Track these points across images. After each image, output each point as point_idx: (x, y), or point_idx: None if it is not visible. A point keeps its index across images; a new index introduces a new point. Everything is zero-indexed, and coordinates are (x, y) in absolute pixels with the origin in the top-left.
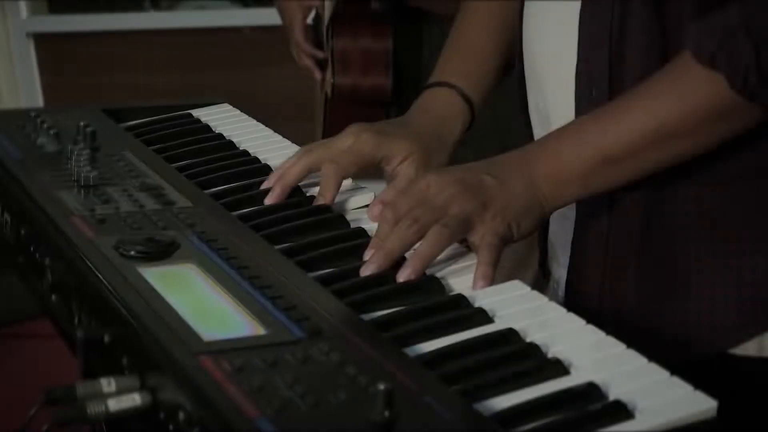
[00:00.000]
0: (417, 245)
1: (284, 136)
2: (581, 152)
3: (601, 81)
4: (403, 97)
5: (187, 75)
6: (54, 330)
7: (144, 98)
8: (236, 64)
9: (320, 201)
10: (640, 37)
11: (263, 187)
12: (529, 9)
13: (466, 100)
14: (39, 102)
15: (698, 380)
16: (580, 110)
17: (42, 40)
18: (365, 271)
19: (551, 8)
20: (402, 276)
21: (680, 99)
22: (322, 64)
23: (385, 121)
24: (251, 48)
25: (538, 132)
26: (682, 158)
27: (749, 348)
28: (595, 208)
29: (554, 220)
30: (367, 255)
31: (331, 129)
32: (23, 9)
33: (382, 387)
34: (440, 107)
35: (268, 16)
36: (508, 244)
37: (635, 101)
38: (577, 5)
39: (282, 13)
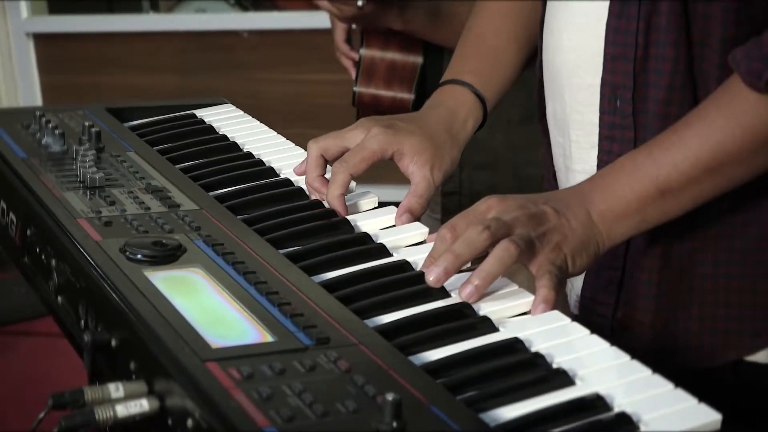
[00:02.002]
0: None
1: None
2: (636, 186)
3: (625, 91)
4: None
5: (186, 77)
6: (57, 329)
7: (142, 99)
8: (234, 67)
9: (333, 204)
10: (665, 50)
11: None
12: (549, 19)
13: (478, 97)
14: (37, 101)
15: (711, 388)
16: (603, 119)
17: (41, 40)
18: (429, 276)
19: (572, 19)
20: (464, 293)
21: (736, 125)
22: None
23: (397, 116)
24: (249, 51)
25: (556, 138)
26: (738, 183)
27: (759, 356)
28: None
29: None
30: (427, 272)
31: None
32: (23, 9)
33: (390, 397)
34: (451, 103)
35: (267, 21)
36: (562, 279)
37: (688, 130)
38: (598, 17)
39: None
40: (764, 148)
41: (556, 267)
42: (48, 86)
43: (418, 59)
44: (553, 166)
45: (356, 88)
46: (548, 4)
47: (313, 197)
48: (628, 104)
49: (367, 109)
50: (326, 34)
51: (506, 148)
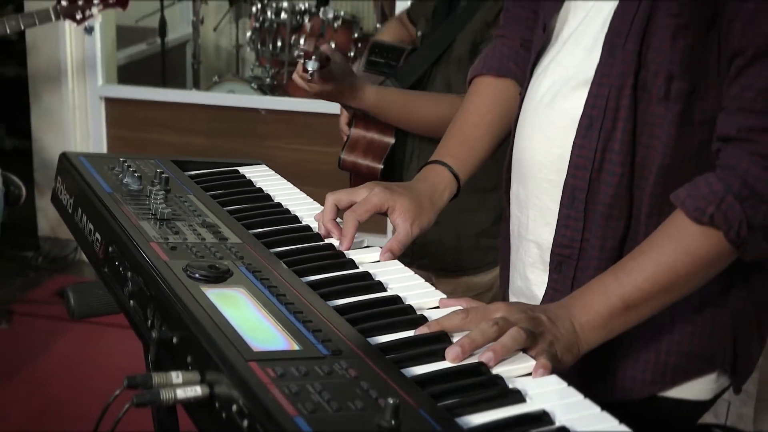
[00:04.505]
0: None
1: None
2: (607, 302)
3: (581, 192)
4: (388, 179)
5: (214, 140)
6: (125, 323)
7: (180, 154)
8: (251, 135)
9: (344, 242)
10: (614, 167)
11: (327, 240)
12: (523, 123)
13: (455, 175)
14: (104, 150)
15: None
16: (562, 211)
17: (111, 103)
18: (449, 353)
19: (543, 129)
20: (485, 357)
21: (684, 252)
22: None
23: (393, 183)
24: (265, 125)
25: (515, 213)
26: (683, 297)
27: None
28: (556, 296)
29: (517, 296)
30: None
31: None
32: (99, 78)
33: (391, 401)
34: (434, 178)
35: (279, 103)
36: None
37: (645, 258)
38: (564, 131)
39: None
40: (706, 269)
41: (551, 354)
42: (113, 138)
43: (391, 140)
44: (509, 233)
45: (342, 156)
46: (522, 111)
47: (327, 241)
48: (581, 202)
49: (349, 171)
50: (322, 116)
51: (453, 210)
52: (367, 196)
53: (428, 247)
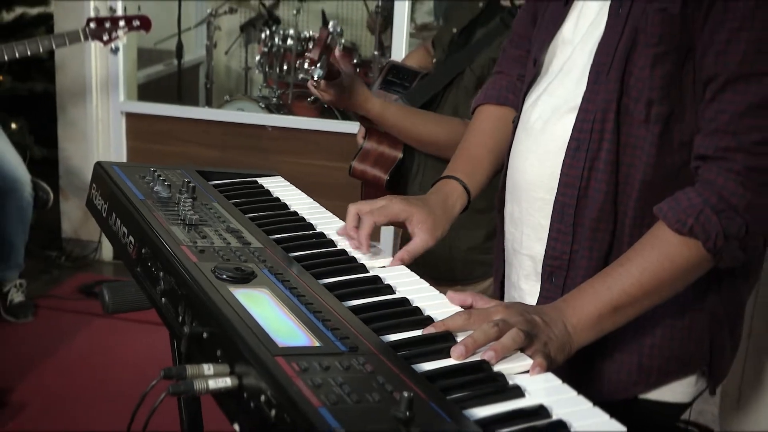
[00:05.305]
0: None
1: None
2: (597, 305)
3: (569, 209)
4: (392, 189)
5: (225, 153)
6: (156, 319)
7: (192, 165)
8: (259, 150)
9: (360, 236)
10: (600, 184)
11: (339, 246)
12: (517, 145)
13: (465, 189)
14: (123, 160)
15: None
16: (553, 225)
17: (131, 117)
18: (454, 352)
19: (536, 150)
20: (486, 356)
21: (666, 259)
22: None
23: (410, 196)
24: (271, 140)
25: (509, 229)
26: (665, 300)
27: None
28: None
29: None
30: (453, 349)
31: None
32: (121, 94)
33: (406, 394)
34: (447, 192)
35: (284, 121)
36: (548, 366)
37: (632, 265)
38: (555, 153)
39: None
40: (686, 275)
41: (545, 353)
42: (132, 150)
43: (399, 154)
44: (503, 249)
45: (353, 163)
46: (516, 134)
47: (339, 246)
48: (570, 218)
49: (357, 178)
50: (323, 134)
51: (449, 227)
52: (386, 204)
53: (424, 256)
